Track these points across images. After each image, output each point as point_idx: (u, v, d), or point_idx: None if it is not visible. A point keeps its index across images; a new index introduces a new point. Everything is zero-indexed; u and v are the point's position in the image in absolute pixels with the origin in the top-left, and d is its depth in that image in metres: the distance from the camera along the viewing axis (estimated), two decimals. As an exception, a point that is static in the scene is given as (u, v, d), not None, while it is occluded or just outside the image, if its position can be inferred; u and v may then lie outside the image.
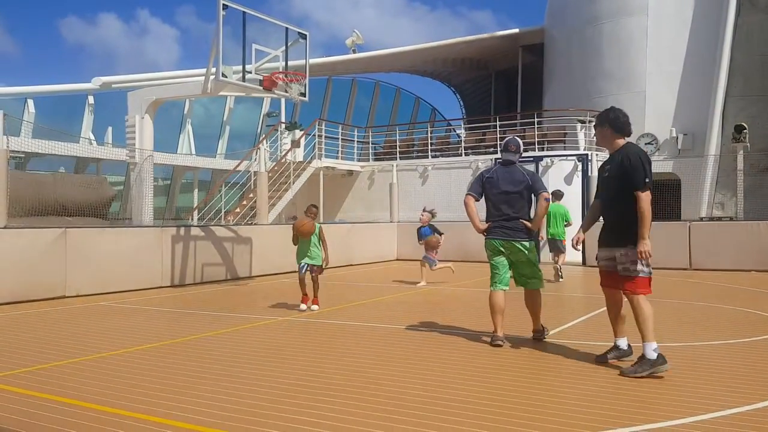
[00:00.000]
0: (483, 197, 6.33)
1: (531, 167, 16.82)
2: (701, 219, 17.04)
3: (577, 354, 5.71)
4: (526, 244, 6.15)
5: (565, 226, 12.33)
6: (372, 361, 5.50)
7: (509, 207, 6.16)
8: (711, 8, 20.62)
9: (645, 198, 4.99)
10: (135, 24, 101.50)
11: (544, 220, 10.36)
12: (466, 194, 6.27)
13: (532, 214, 6.29)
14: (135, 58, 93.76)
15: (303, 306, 8.62)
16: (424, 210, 12.14)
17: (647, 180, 5.02)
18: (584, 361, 5.43)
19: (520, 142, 6.49)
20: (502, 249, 6.20)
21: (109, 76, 20.46)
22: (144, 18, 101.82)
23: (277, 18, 11.61)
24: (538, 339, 6.32)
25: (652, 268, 5.13)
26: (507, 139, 6.47)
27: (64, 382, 4.74)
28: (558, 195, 12.33)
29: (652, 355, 4.90)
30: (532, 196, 6.21)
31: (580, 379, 4.83)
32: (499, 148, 18.93)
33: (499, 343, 6.03)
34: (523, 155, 6.75)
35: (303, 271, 8.67)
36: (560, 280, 12.05)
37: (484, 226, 6.29)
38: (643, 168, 5.03)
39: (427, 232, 11.92)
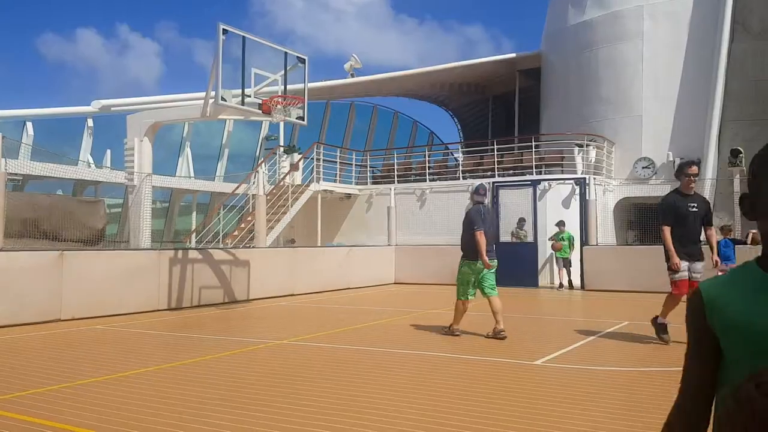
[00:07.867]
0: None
1: (529, 191, 16.88)
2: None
3: (577, 378, 5.66)
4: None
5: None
6: (368, 385, 5.45)
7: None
8: (705, 34, 20.83)
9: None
10: (115, 39, 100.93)
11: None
12: None
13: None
14: (117, 74, 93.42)
15: None
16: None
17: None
18: (584, 386, 5.39)
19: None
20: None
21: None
22: (124, 33, 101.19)
23: (276, 42, 11.72)
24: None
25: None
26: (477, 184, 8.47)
27: (58, 407, 4.68)
28: (562, 223, 15.61)
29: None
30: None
31: (582, 404, 4.78)
32: (496, 172, 19.06)
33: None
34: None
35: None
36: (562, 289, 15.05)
37: None
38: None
39: None
